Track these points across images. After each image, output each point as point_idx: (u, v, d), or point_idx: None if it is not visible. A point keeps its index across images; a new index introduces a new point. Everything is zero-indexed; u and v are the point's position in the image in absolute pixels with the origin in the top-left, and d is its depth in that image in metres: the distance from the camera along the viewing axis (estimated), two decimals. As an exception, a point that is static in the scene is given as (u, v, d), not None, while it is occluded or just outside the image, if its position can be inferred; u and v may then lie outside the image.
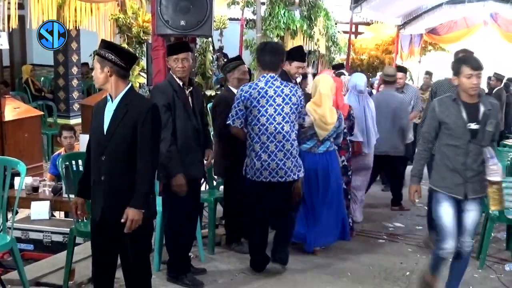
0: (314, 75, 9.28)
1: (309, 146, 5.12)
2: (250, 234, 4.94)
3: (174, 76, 4.38)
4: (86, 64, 11.82)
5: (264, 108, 4.49)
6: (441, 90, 5.51)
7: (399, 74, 7.57)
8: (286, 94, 4.53)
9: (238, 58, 5.59)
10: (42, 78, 12.81)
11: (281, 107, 4.50)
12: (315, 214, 5.21)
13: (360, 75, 6.59)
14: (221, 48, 12.51)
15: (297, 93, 4.61)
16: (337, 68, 8.59)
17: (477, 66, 3.98)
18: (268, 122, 4.49)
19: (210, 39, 9.86)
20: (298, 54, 5.63)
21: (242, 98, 4.54)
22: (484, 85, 11.51)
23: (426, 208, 7.19)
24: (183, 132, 4.33)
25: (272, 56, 4.62)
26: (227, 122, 4.66)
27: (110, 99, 3.45)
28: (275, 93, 4.51)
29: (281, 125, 4.50)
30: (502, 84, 11.61)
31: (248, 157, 4.64)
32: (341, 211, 5.40)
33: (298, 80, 6.50)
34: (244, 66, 5.50)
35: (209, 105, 9.69)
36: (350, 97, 6.23)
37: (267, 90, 4.51)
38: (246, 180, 4.67)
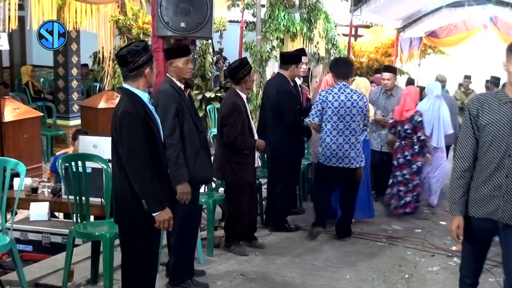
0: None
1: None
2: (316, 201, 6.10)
3: (174, 79, 4.30)
4: (85, 65, 11.84)
5: (337, 109, 5.60)
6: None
7: (387, 75, 7.23)
8: (354, 99, 5.63)
9: (247, 61, 5.46)
10: (42, 79, 12.83)
11: (349, 109, 5.61)
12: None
13: (437, 84, 7.63)
14: (220, 50, 12.51)
15: (363, 99, 5.70)
16: None
17: None
18: (339, 120, 5.62)
19: (210, 41, 9.88)
20: (299, 56, 6.26)
21: (320, 100, 5.69)
22: (482, 89, 11.60)
23: (424, 210, 7.24)
24: (191, 135, 4.28)
25: (343, 68, 5.80)
26: (308, 119, 5.86)
27: None
28: (345, 98, 5.62)
29: (348, 123, 5.63)
30: (500, 87, 11.62)
31: (320, 146, 5.77)
32: (367, 192, 6.42)
33: (299, 82, 6.56)
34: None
35: (209, 107, 9.75)
36: (424, 101, 7.31)
37: (339, 95, 5.64)
38: (317, 165, 5.95)
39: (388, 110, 7.20)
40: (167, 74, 4.42)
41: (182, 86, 4.35)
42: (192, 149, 4.28)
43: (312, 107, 5.81)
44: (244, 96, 5.33)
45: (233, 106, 5.17)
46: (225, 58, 12.69)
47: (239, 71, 5.28)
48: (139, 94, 3.44)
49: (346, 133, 5.64)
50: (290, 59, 6.17)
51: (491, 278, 5.12)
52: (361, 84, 6.48)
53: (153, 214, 3.40)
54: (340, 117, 5.62)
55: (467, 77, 11.67)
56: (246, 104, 5.39)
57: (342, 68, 5.80)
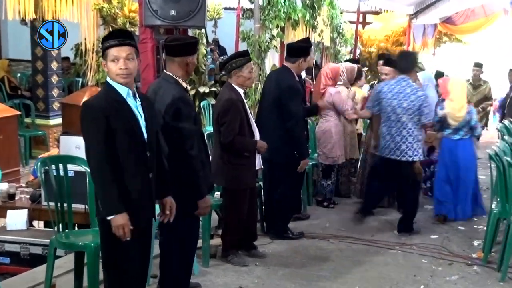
0: (318, 68, 9.30)
1: (447, 133, 6.76)
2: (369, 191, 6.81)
3: (180, 80, 4.17)
4: (67, 58, 11.83)
5: (390, 101, 6.23)
6: None
7: (385, 69, 6.89)
8: (407, 92, 6.20)
9: (246, 53, 5.45)
10: (19, 75, 12.82)
11: (401, 102, 6.18)
12: (453, 190, 6.80)
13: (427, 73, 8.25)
14: (215, 41, 12.51)
15: (417, 93, 6.21)
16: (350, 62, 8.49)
17: None
18: (392, 112, 6.24)
19: (203, 30, 9.86)
20: (307, 48, 6.28)
21: (377, 91, 6.42)
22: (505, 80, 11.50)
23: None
24: (200, 138, 4.25)
25: (405, 61, 6.46)
26: (367, 106, 6.71)
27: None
28: (398, 90, 6.22)
29: (399, 116, 6.20)
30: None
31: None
32: (472, 189, 6.86)
33: (303, 75, 6.56)
34: (251, 63, 5.43)
35: (203, 103, 9.74)
36: (428, 90, 7.29)
37: (394, 87, 6.26)
38: (373, 154, 6.82)
39: None
40: (169, 73, 4.21)
41: (189, 87, 4.35)
42: (202, 154, 4.24)
43: (370, 98, 6.70)
44: (241, 91, 5.30)
45: (228, 103, 5.14)
46: (223, 50, 12.67)
47: (227, 61, 5.28)
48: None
49: (398, 125, 6.24)
50: (298, 51, 6.08)
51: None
52: (456, 84, 6.80)
53: (108, 218, 3.43)
54: (393, 108, 6.24)
55: (478, 65, 10.72)
56: (244, 99, 5.36)
57: (404, 62, 6.47)
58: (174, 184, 3.91)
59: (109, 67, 3.48)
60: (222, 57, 12.23)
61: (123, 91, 3.50)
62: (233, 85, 5.25)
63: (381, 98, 6.32)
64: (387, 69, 6.89)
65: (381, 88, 6.39)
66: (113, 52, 3.45)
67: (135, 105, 3.55)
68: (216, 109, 5.33)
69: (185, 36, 5.45)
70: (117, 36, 3.52)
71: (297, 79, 6.08)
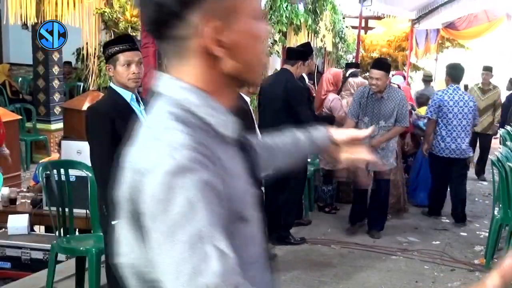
0: (320, 73, 9.31)
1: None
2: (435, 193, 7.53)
3: None
4: (68, 63, 11.86)
5: (452, 108, 7.06)
6: None
7: (376, 73, 6.17)
8: (466, 100, 7.11)
9: None
10: (20, 79, 12.84)
11: (462, 108, 7.07)
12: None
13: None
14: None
15: (472, 100, 7.21)
16: (350, 67, 8.47)
17: None
18: (453, 117, 7.07)
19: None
20: (307, 52, 6.41)
21: (437, 100, 7.15)
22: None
23: (443, 220, 7.25)
24: None
25: (459, 71, 7.34)
26: (426, 115, 7.27)
27: None
28: (458, 98, 7.09)
29: (460, 120, 7.08)
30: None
31: (435, 139, 7.19)
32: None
33: (307, 79, 6.59)
34: None
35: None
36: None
37: (454, 96, 7.10)
38: (431, 155, 7.31)
39: (379, 116, 6.31)
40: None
41: None
42: None
43: (429, 106, 7.32)
44: (248, 99, 5.36)
45: (240, 112, 5.17)
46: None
47: None
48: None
49: (458, 129, 7.08)
50: (297, 54, 6.20)
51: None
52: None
53: (113, 223, 3.44)
54: (454, 114, 7.07)
55: (487, 69, 9.83)
56: (250, 107, 5.43)
57: (458, 71, 7.34)
58: None
59: (120, 71, 3.50)
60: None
61: (127, 95, 3.53)
62: (240, 93, 5.30)
63: (443, 106, 7.10)
64: (377, 73, 6.19)
65: (442, 97, 7.14)
66: (125, 56, 3.48)
67: (139, 110, 3.57)
68: None
69: None
70: (127, 41, 3.56)
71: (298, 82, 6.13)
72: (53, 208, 4.33)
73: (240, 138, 1.32)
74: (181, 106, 1.21)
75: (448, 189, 7.44)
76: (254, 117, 5.37)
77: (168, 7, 1.17)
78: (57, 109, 9.94)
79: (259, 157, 1.52)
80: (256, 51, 1.27)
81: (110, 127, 3.41)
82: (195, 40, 1.20)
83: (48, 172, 4.41)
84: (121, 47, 3.50)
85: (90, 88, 9.79)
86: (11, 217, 5.56)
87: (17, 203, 5.81)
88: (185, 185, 1.07)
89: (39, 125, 9.78)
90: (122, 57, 3.49)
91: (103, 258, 4.10)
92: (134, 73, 3.49)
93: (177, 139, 1.13)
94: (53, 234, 4.65)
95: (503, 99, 10.40)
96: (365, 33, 15.29)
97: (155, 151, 1.12)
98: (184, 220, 1.06)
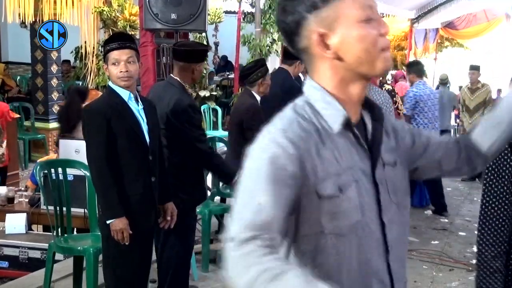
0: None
1: None
2: None
3: (187, 86, 4.19)
4: (67, 61, 11.86)
5: (426, 102, 7.44)
6: None
7: None
8: (433, 92, 7.80)
9: (264, 62, 5.53)
10: (18, 77, 12.84)
11: (433, 100, 7.52)
12: None
13: None
14: (216, 44, 12.54)
15: (433, 92, 7.86)
16: None
17: None
18: (428, 110, 7.44)
19: (204, 34, 9.89)
20: None
21: (413, 96, 7.51)
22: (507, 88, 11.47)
23: (442, 220, 7.25)
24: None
25: (417, 67, 7.87)
26: (405, 111, 7.37)
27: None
28: (429, 92, 7.62)
29: (433, 112, 7.48)
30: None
31: None
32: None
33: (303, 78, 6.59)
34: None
35: (203, 107, 9.75)
36: None
37: (425, 90, 7.58)
38: None
39: None
40: (176, 78, 4.16)
41: (193, 94, 4.38)
42: None
43: (406, 101, 7.55)
44: (258, 98, 5.36)
45: (254, 108, 5.21)
46: (225, 60, 12.68)
47: (252, 72, 5.30)
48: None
49: (433, 120, 7.47)
50: (295, 54, 6.17)
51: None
52: None
53: (107, 222, 3.47)
54: (429, 107, 7.46)
55: (474, 68, 9.83)
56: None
57: (420, 66, 7.87)
58: (176, 186, 3.95)
59: (110, 70, 3.50)
60: (227, 73, 12.27)
61: (125, 94, 3.52)
62: (252, 92, 5.30)
63: (420, 101, 7.49)
64: None
65: (417, 93, 7.52)
66: (113, 55, 3.47)
67: (137, 109, 3.56)
68: (237, 113, 5.35)
69: (195, 43, 5.48)
70: (118, 39, 3.54)
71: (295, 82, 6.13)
72: (51, 207, 4.31)
73: (353, 128, 1.53)
74: (305, 99, 1.55)
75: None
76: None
77: (288, 29, 1.55)
78: (55, 108, 9.92)
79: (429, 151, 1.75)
80: (362, 48, 1.48)
81: (106, 126, 3.42)
82: (312, 48, 1.52)
83: (46, 171, 4.40)
84: (111, 46, 3.49)
85: (89, 87, 9.78)
86: (8, 216, 5.55)
87: (15, 202, 5.79)
88: (261, 156, 1.42)
89: (37, 124, 9.77)
90: (111, 56, 3.48)
91: (100, 257, 4.09)
92: (121, 71, 3.46)
93: (278, 124, 1.48)
94: (51, 233, 4.63)
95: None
96: (364, 33, 15.29)
97: (267, 126, 1.49)
98: (252, 176, 1.41)
